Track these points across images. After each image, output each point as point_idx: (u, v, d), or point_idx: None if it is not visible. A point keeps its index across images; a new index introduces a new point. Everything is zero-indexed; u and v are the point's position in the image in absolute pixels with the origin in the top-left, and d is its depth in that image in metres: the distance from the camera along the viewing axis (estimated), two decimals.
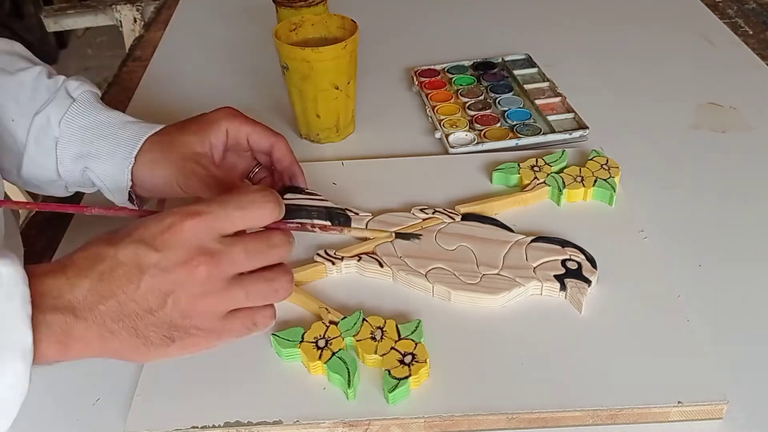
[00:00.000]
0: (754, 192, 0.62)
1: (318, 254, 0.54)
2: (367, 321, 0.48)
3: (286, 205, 0.55)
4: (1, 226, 0.52)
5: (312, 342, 0.47)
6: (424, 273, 0.52)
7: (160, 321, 0.39)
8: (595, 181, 0.60)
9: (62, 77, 0.55)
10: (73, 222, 0.62)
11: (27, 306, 0.36)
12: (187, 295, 0.38)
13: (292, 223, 0.45)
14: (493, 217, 0.58)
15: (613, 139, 0.68)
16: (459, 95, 0.76)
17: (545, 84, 0.77)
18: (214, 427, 0.44)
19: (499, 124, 0.71)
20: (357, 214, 0.57)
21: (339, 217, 0.56)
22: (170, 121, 0.55)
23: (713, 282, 0.54)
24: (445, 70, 0.81)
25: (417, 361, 0.45)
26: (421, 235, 0.53)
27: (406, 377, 0.44)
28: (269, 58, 0.79)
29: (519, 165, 0.62)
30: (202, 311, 0.39)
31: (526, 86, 0.76)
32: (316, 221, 0.54)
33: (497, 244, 0.54)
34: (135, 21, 1.82)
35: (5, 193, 0.53)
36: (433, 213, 0.57)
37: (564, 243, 0.54)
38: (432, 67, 0.82)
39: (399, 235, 0.50)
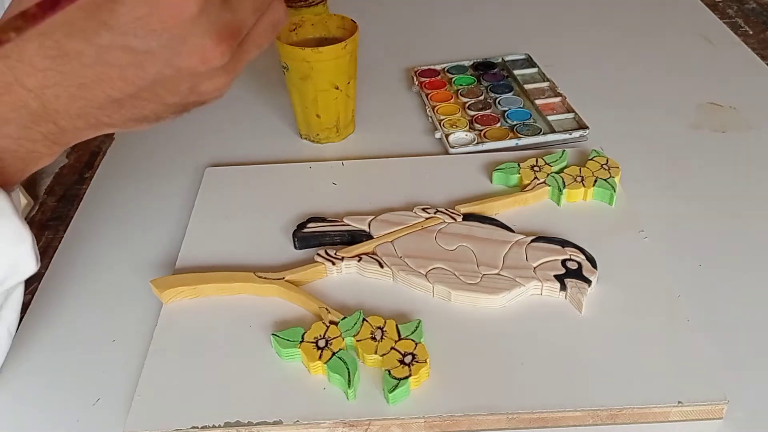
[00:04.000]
0: (754, 192, 0.62)
1: (318, 254, 0.54)
2: (367, 321, 0.48)
3: (309, 233, 0.56)
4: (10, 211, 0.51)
5: (312, 342, 0.47)
6: (424, 273, 0.52)
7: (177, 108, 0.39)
8: (595, 181, 0.60)
9: None
10: (73, 222, 0.62)
11: None
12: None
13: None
14: (493, 217, 0.58)
15: (613, 139, 0.68)
16: (459, 95, 0.76)
17: (545, 84, 0.77)
18: (214, 427, 0.44)
19: (499, 124, 0.71)
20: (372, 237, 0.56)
21: (361, 238, 0.56)
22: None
23: (713, 282, 0.54)
24: (445, 70, 0.81)
25: (417, 361, 0.45)
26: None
27: (406, 377, 0.44)
28: (269, 58, 0.79)
29: (519, 165, 0.62)
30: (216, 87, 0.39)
31: (526, 86, 0.76)
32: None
33: (497, 244, 0.54)
34: None
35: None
36: (435, 213, 0.57)
37: (564, 243, 0.54)
38: (432, 67, 0.82)
39: None
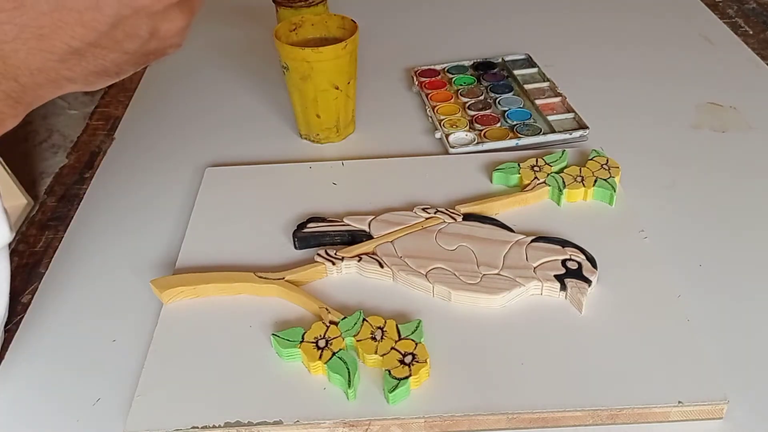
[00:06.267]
0: (755, 192, 0.62)
1: (318, 254, 0.54)
2: (367, 321, 0.48)
3: (309, 233, 0.56)
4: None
5: (312, 342, 0.47)
6: (425, 273, 0.52)
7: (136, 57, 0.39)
8: (596, 181, 0.60)
9: None
10: (73, 222, 0.62)
11: None
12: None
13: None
14: (493, 217, 0.58)
15: (613, 139, 0.68)
16: (459, 95, 0.76)
17: (545, 84, 0.77)
18: (214, 427, 0.44)
19: (499, 124, 0.71)
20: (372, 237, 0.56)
21: (361, 238, 0.56)
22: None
23: (713, 282, 0.54)
24: (445, 70, 0.81)
25: (417, 361, 0.45)
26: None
27: (407, 377, 0.44)
28: (269, 58, 0.79)
29: (519, 165, 0.62)
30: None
31: (526, 86, 0.76)
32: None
33: (497, 244, 0.54)
34: None
35: None
36: (435, 213, 0.57)
37: (564, 243, 0.54)
38: (432, 67, 0.82)
39: None
